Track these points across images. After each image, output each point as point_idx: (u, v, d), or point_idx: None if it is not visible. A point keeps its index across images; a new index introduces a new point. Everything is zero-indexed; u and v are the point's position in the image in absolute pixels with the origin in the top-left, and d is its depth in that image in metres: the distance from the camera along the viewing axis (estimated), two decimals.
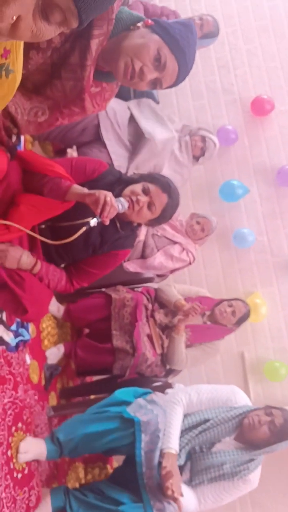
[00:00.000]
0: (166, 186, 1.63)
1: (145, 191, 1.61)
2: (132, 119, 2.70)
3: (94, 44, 1.12)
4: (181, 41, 1.14)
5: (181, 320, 2.27)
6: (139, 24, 1.16)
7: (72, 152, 2.42)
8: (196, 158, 2.91)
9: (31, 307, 1.49)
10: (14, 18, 0.63)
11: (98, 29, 1.12)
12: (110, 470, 2.46)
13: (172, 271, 2.75)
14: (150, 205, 1.61)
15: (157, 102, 2.92)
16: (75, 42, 1.13)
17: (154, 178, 1.65)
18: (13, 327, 1.76)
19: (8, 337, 1.71)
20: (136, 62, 1.13)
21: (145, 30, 1.16)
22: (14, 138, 1.29)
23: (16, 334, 1.79)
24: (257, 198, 3.28)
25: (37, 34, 0.67)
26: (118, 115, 2.58)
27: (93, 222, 1.39)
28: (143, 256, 2.62)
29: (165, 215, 1.67)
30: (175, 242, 2.70)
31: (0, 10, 0.61)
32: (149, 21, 1.16)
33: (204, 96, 3.50)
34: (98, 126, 2.54)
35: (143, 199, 1.59)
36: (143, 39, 1.14)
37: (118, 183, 1.67)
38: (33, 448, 1.67)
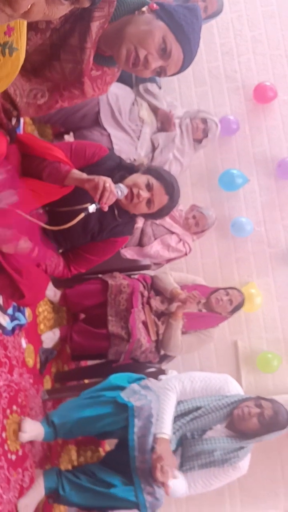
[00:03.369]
0: (170, 187, 1.61)
1: (148, 187, 1.59)
2: (135, 103, 2.67)
3: (95, 26, 1.10)
4: (186, 28, 1.11)
5: (179, 306, 2.28)
6: (144, 9, 1.13)
7: (69, 139, 2.39)
8: (199, 141, 2.87)
9: (28, 292, 1.49)
10: (29, 6, 0.64)
11: (99, 11, 1.09)
12: (103, 453, 2.50)
13: (168, 261, 2.75)
14: (149, 202, 1.60)
15: (159, 88, 2.88)
16: (75, 23, 1.10)
17: (161, 176, 1.62)
18: (10, 311, 1.76)
19: (4, 321, 1.71)
20: (141, 50, 1.10)
21: (150, 16, 1.13)
22: (13, 121, 1.27)
23: (12, 318, 1.80)
24: (257, 188, 3.26)
25: (49, 15, 0.68)
26: (121, 101, 2.55)
27: (91, 208, 1.39)
28: (140, 243, 2.62)
29: (161, 214, 1.67)
30: (172, 232, 2.69)
31: (17, 2, 0.62)
32: (154, 5, 1.13)
33: (207, 83, 3.45)
34: (98, 112, 2.51)
35: (145, 194, 1.58)
36: (148, 26, 1.11)
37: (117, 169, 1.65)
38: (32, 429, 1.70)
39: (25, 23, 0.81)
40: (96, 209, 1.40)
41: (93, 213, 1.41)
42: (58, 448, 2.23)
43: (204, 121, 2.84)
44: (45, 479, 1.77)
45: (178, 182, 1.69)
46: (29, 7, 0.64)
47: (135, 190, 1.56)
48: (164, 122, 2.73)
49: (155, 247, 2.62)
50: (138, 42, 1.09)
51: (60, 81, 1.20)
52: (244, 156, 3.32)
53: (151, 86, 2.76)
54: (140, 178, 1.59)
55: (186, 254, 2.77)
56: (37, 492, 1.72)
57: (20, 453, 1.69)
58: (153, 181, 1.59)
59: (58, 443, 2.20)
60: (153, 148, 2.71)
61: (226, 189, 3.21)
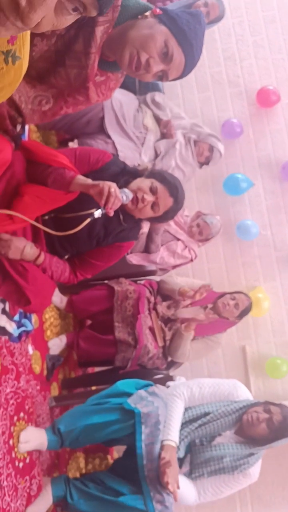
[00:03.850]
0: (174, 189, 1.61)
1: (153, 190, 1.59)
2: (139, 110, 2.68)
3: (99, 31, 1.10)
4: (189, 33, 1.12)
5: (193, 320, 2.27)
6: (147, 13, 1.14)
7: (73, 146, 2.40)
8: (199, 164, 2.88)
9: (34, 298, 1.49)
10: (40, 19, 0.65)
11: (103, 16, 1.10)
12: (111, 461, 2.47)
13: (174, 267, 2.74)
14: (154, 205, 1.60)
15: (163, 94, 2.89)
16: (80, 29, 1.11)
17: (165, 179, 1.62)
18: (16, 317, 1.76)
19: (11, 328, 1.71)
20: (143, 54, 1.11)
21: (152, 20, 1.13)
22: (18, 127, 1.28)
23: (19, 325, 1.80)
24: (262, 192, 3.25)
25: (57, 25, 0.69)
26: (125, 108, 2.56)
27: (97, 213, 1.39)
28: (147, 250, 2.61)
29: (167, 217, 1.67)
30: (178, 239, 2.69)
31: (28, 17, 0.63)
32: (157, 10, 1.14)
33: (210, 88, 3.46)
34: (103, 118, 2.52)
35: (149, 198, 1.57)
36: (150, 30, 1.12)
37: (122, 174, 1.65)
38: (34, 438, 1.68)
39: (29, 32, 0.82)
40: (102, 214, 1.40)
41: (98, 218, 1.41)
42: (66, 456, 2.21)
43: (211, 148, 2.83)
44: (53, 487, 1.75)
45: (182, 187, 1.69)
46: (39, 20, 0.65)
47: (139, 194, 1.56)
48: (166, 132, 2.74)
49: (160, 254, 2.62)
50: (140, 46, 1.10)
51: (65, 88, 1.21)
52: (248, 160, 3.31)
53: (159, 97, 2.78)
54: (144, 182, 1.59)
55: (191, 260, 2.76)
56: (45, 500, 1.70)
57: (27, 460, 1.68)
58: (157, 184, 1.59)
59: (66, 450, 2.19)
60: (156, 156, 2.72)
61: (231, 194, 3.20)
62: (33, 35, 1.06)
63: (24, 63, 0.87)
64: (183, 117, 2.90)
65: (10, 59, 0.82)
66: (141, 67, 1.11)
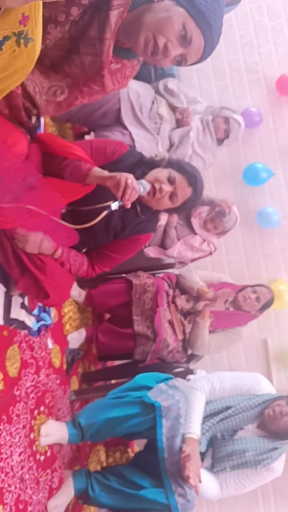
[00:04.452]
0: (192, 179, 1.57)
1: (171, 180, 1.55)
2: (154, 101, 2.64)
3: (113, 16, 1.07)
4: (207, 13, 1.07)
5: (207, 305, 2.23)
6: None
7: (90, 139, 2.38)
8: (220, 141, 2.81)
9: (52, 291, 1.48)
10: None
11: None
12: (131, 454, 2.47)
13: (192, 260, 2.70)
14: (172, 196, 1.56)
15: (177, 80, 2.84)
16: (94, 14, 1.08)
17: (182, 168, 1.58)
18: (35, 311, 1.76)
19: (30, 322, 1.71)
20: (160, 38, 1.07)
21: (169, 3, 1.09)
22: (34, 119, 1.26)
23: (38, 319, 1.80)
24: (282, 182, 3.18)
25: None
26: (142, 99, 2.52)
27: (114, 205, 1.36)
28: (162, 245, 2.58)
29: (185, 207, 1.62)
30: (196, 233, 2.64)
31: None
32: None
33: (227, 76, 3.39)
34: (119, 110, 2.49)
35: (167, 188, 1.54)
36: (167, 12, 1.07)
37: (139, 165, 1.62)
38: (55, 432, 1.68)
39: (41, 11, 0.79)
40: (119, 207, 1.38)
41: (115, 211, 1.39)
42: (86, 449, 2.22)
43: (226, 120, 2.75)
44: (75, 480, 1.76)
45: (201, 177, 1.65)
46: None
47: (157, 185, 1.53)
48: (181, 119, 2.68)
49: (177, 248, 2.58)
50: (157, 30, 1.06)
51: (80, 77, 1.18)
52: (268, 149, 3.24)
53: (172, 83, 2.72)
54: (161, 173, 1.56)
55: (211, 253, 2.71)
56: (67, 493, 1.71)
57: (48, 454, 1.69)
58: (175, 174, 1.56)
59: (86, 444, 2.19)
60: (171, 146, 2.68)
61: (251, 184, 3.14)
62: (46, 23, 1.03)
63: (37, 45, 0.84)
64: (199, 101, 2.83)
65: (22, 40, 0.79)
66: (159, 52, 1.07)
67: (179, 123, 2.70)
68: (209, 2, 1.07)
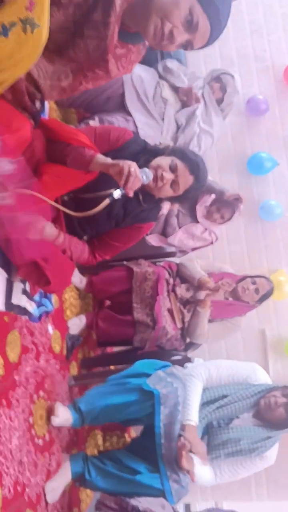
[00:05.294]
0: (195, 167, 1.55)
1: (172, 168, 1.54)
2: (157, 85, 2.60)
3: None
4: None
5: (209, 295, 2.24)
6: None
7: (94, 124, 2.36)
8: (221, 100, 2.76)
9: (54, 278, 1.48)
10: None
11: None
12: (128, 439, 2.51)
13: (193, 249, 2.69)
14: (173, 184, 1.55)
15: (185, 67, 2.80)
16: None
17: (185, 156, 1.56)
18: (36, 297, 1.77)
19: (31, 307, 1.72)
20: (166, 24, 1.05)
21: None
22: (37, 104, 1.25)
23: (39, 305, 1.80)
24: (286, 172, 3.15)
25: None
26: (146, 84, 2.49)
27: (116, 194, 1.35)
28: (164, 233, 2.57)
29: (188, 196, 1.61)
30: (198, 221, 2.63)
31: None
32: None
33: (235, 63, 3.33)
34: (123, 95, 2.46)
35: (168, 176, 1.53)
36: None
37: (142, 153, 1.61)
38: (62, 414, 1.72)
39: None
40: (121, 195, 1.37)
41: (117, 199, 1.38)
42: (84, 433, 2.25)
43: (218, 79, 2.74)
44: (72, 463, 1.79)
45: (205, 165, 1.63)
46: None
47: (158, 172, 1.51)
48: (186, 99, 2.64)
49: (179, 236, 2.57)
50: (164, 15, 1.04)
51: (84, 61, 1.16)
52: (273, 139, 3.20)
53: (170, 63, 2.67)
54: (164, 160, 1.55)
55: (212, 243, 2.70)
56: (64, 476, 1.74)
57: (47, 438, 1.71)
58: (177, 161, 1.54)
59: (84, 428, 2.22)
60: (178, 128, 2.65)
61: (255, 173, 3.12)
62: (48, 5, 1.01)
63: (43, 32, 0.82)
64: (199, 76, 2.80)
65: (28, 27, 0.78)
66: (164, 37, 1.06)
67: (184, 104, 2.66)
68: None
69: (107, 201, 1.36)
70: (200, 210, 2.60)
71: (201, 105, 2.67)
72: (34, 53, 0.84)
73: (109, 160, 1.40)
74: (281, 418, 1.87)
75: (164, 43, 1.07)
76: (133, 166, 1.34)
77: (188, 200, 1.69)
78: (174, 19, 1.04)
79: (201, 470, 1.81)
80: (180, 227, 2.61)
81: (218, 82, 2.74)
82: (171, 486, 1.68)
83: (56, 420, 1.70)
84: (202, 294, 2.28)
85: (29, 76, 1.13)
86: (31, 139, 1.32)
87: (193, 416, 1.78)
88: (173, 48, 1.09)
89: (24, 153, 1.33)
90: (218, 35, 1.11)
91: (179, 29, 1.06)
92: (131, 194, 1.36)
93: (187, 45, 1.10)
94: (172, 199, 1.66)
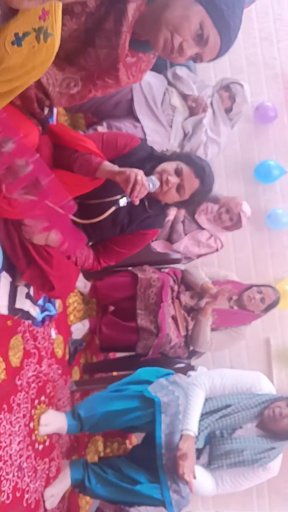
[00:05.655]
0: (200, 170, 1.54)
1: (178, 172, 1.53)
2: (166, 92, 2.60)
3: (131, 8, 1.05)
4: (227, 12, 1.04)
5: (209, 302, 2.23)
6: None
7: (102, 130, 2.36)
8: (229, 109, 2.76)
9: (58, 284, 1.48)
10: None
11: None
12: (129, 446, 2.49)
13: (198, 256, 2.68)
14: (179, 188, 1.54)
15: (195, 75, 2.80)
16: (111, 6, 1.06)
17: (191, 160, 1.56)
18: (40, 302, 1.77)
19: (35, 312, 1.72)
20: (176, 37, 1.05)
21: None
22: (46, 111, 1.25)
23: (43, 309, 1.80)
24: None
25: None
26: (154, 90, 2.49)
27: (122, 201, 1.35)
28: (169, 239, 2.56)
29: (194, 200, 1.60)
30: (203, 228, 2.62)
31: None
32: None
33: (244, 70, 3.33)
34: (131, 100, 2.46)
35: (173, 180, 1.52)
36: (185, 11, 1.05)
37: (149, 159, 1.60)
38: (54, 422, 1.70)
39: (60, 6, 0.77)
40: (127, 203, 1.36)
41: (124, 206, 1.37)
42: (85, 439, 2.24)
43: (227, 88, 2.74)
44: (72, 470, 1.78)
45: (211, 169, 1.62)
46: None
47: (164, 177, 1.51)
48: (194, 107, 2.65)
49: (184, 243, 2.57)
50: (174, 28, 1.04)
51: (94, 70, 1.16)
52: (281, 147, 3.19)
53: (180, 70, 2.68)
54: (169, 165, 1.54)
55: (217, 250, 2.69)
56: (64, 483, 1.73)
57: (47, 443, 1.70)
58: (183, 165, 1.53)
59: (85, 434, 2.21)
60: (185, 135, 2.65)
61: (262, 181, 3.11)
62: (61, 14, 1.02)
63: (56, 41, 0.83)
64: (208, 85, 2.80)
65: (42, 36, 0.78)
66: (174, 50, 1.06)
67: (192, 112, 2.67)
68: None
69: (112, 209, 1.36)
70: (201, 218, 2.60)
71: (209, 114, 2.67)
72: (46, 62, 0.84)
73: (116, 167, 1.40)
74: (285, 429, 1.85)
75: (174, 56, 1.08)
76: (139, 174, 1.33)
77: (194, 204, 1.68)
78: (184, 32, 1.04)
79: (203, 480, 1.79)
80: (186, 234, 2.60)
81: (228, 91, 2.74)
82: (172, 496, 1.66)
83: (43, 430, 1.64)
84: (203, 302, 2.27)
85: (38, 83, 1.13)
86: (38, 144, 1.32)
87: (191, 426, 1.75)
88: (182, 60, 1.10)
89: None
90: (228, 48, 1.11)
91: (189, 43, 1.06)
92: (137, 202, 1.36)
93: (197, 58, 1.10)
94: (178, 204, 1.65)
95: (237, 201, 2.57)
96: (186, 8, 1.05)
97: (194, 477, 1.62)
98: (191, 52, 1.07)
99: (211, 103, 2.71)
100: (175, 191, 1.55)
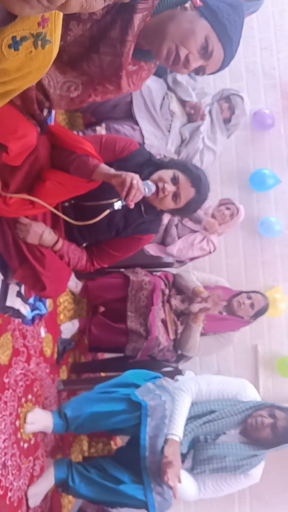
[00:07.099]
0: (196, 179, 1.56)
1: (174, 180, 1.55)
2: (165, 97, 2.62)
3: (137, 19, 1.07)
4: (229, 27, 1.08)
5: (202, 310, 2.24)
6: (187, 5, 1.10)
7: (101, 130, 2.37)
8: (228, 120, 2.79)
9: (49, 284, 1.49)
10: None
11: (143, 3, 1.06)
12: (114, 446, 2.50)
13: (191, 259, 2.71)
14: (175, 196, 1.56)
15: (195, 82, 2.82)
16: (117, 15, 1.08)
17: (187, 169, 1.57)
18: (31, 300, 1.77)
19: (25, 310, 1.72)
20: (182, 50, 1.08)
21: (193, 13, 1.10)
22: (45, 112, 1.26)
23: (33, 308, 1.81)
24: None
25: (87, 8, 0.65)
26: (154, 94, 2.51)
27: (117, 205, 1.37)
28: (163, 243, 2.58)
29: (189, 209, 1.62)
30: (196, 231, 2.65)
31: None
32: (198, 1, 1.10)
33: (243, 78, 3.36)
34: (130, 103, 2.47)
35: (169, 188, 1.54)
36: (191, 24, 1.08)
37: (147, 165, 1.62)
38: (40, 420, 1.70)
39: (61, 14, 0.78)
40: (122, 206, 1.38)
41: (118, 209, 1.39)
42: (70, 439, 2.24)
43: (228, 99, 2.76)
44: (56, 469, 1.78)
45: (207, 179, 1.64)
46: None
47: (160, 184, 1.52)
48: (193, 114, 2.67)
49: (177, 246, 2.59)
50: (180, 41, 1.07)
51: (96, 75, 1.18)
52: (277, 156, 3.22)
53: (180, 76, 2.69)
54: (165, 173, 1.56)
55: (210, 252, 2.72)
56: (47, 482, 1.73)
57: (32, 442, 1.71)
58: (179, 174, 1.55)
59: (70, 433, 2.22)
60: (182, 142, 2.67)
61: (257, 189, 3.13)
62: (69, 20, 1.03)
63: (54, 48, 0.84)
64: (207, 93, 2.83)
65: (39, 42, 0.79)
66: (180, 62, 1.09)
67: (190, 118, 2.69)
68: (231, 15, 1.07)
69: (107, 212, 1.37)
70: (191, 224, 2.63)
71: (206, 122, 2.69)
72: (43, 68, 0.85)
73: (112, 170, 1.41)
74: (267, 438, 1.86)
75: (178, 67, 1.10)
76: (135, 178, 1.35)
77: (189, 212, 1.70)
78: (190, 45, 1.07)
79: (186, 484, 1.80)
80: (179, 237, 2.62)
81: (228, 102, 2.77)
82: (154, 498, 1.67)
83: (29, 428, 1.65)
84: (195, 307, 2.28)
85: (39, 85, 1.14)
86: (36, 145, 1.33)
87: (177, 431, 1.77)
88: (186, 72, 1.12)
89: (28, 158, 1.35)
90: (229, 62, 1.15)
91: (194, 56, 1.09)
92: (132, 206, 1.37)
93: (199, 70, 1.13)
94: (173, 212, 1.67)
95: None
96: (191, 21, 1.08)
97: (179, 481, 1.63)
98: (196, 64, 1.10)
99: (210, 112, 2.73)
100: (171, 199, 1.56)
